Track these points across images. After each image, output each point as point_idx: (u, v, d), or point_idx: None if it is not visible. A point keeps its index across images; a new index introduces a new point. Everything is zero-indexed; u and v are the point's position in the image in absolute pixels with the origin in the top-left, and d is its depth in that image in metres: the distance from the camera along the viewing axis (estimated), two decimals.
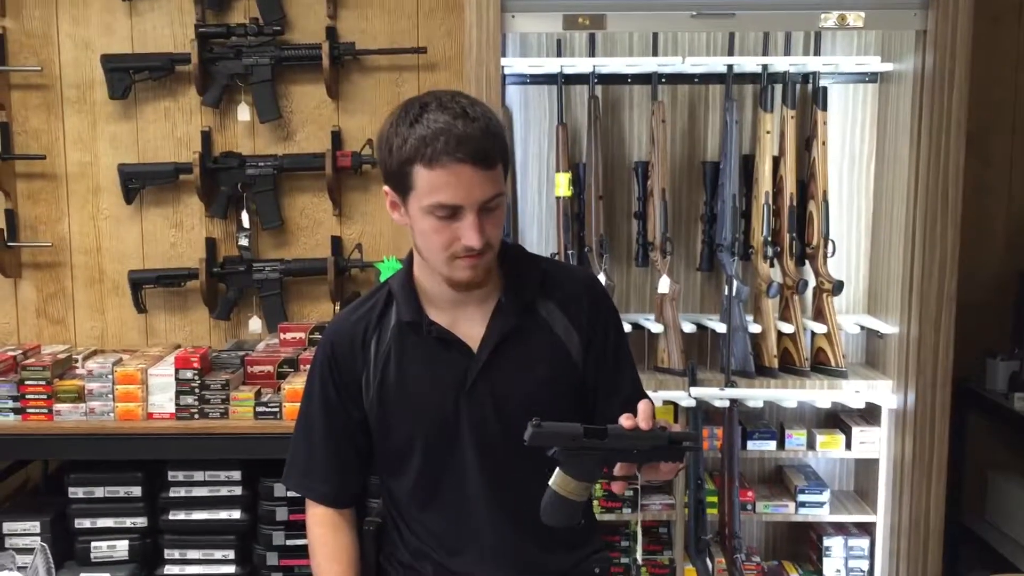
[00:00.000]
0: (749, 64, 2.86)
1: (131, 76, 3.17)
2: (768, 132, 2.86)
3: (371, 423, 1.63)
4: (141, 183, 3.21)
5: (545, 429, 1.36)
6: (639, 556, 2.80)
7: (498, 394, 1.57)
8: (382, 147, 1.50)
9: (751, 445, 2.90)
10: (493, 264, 1.56)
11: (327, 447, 1.65)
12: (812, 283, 2.91)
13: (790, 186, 2.86)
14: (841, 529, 2.98)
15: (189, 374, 2.87)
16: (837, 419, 3.01)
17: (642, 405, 1.42)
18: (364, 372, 1.61)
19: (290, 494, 2.87)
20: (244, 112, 3.21)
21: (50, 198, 3.28)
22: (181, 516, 2.93)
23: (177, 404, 2.87)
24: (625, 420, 1.40)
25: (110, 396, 2.87)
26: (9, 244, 3.24)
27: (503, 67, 2.74)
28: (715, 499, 2.88)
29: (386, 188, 1.52)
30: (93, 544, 2.92)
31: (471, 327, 1.58)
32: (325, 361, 1.64)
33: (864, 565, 2.93)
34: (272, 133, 3.24)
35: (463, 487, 1.58)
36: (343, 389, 1.62)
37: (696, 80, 2.97)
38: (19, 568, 1.35)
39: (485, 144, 1.43)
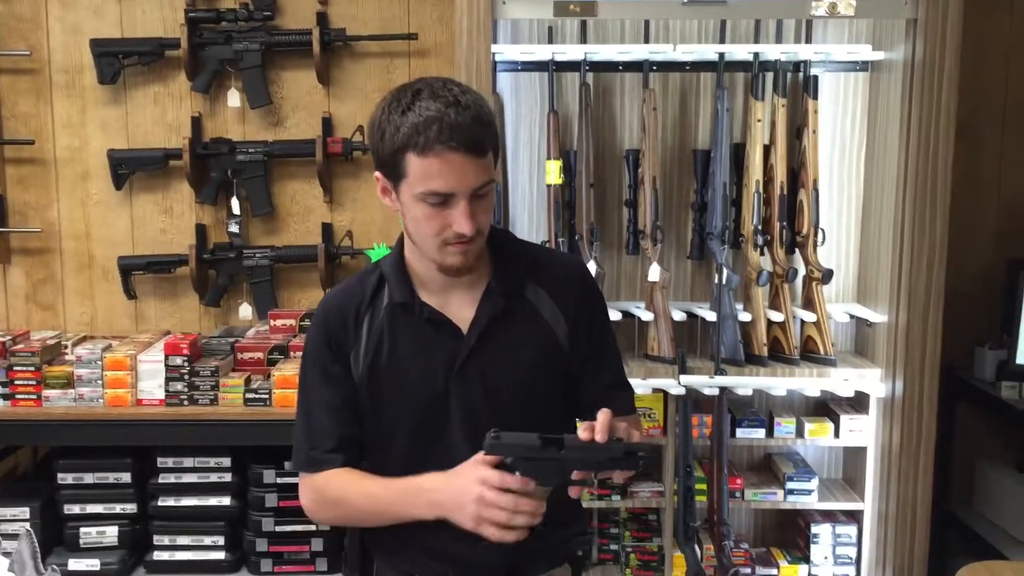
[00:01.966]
0: (740, 52, 2.86)
1: (120, 61, 3.15)
2: (759, 120, 2.86)
3: (360, 401, 1.64)
4: (131, 169, 3.20)
5: (503, 440, 1.41)
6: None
7: (487, 376, 1.60)
8: (374, 134, 1.51)
9: (740, 433, 2.91)
10: (483, 249, 1.59)
11: (333, 420, 1.63)
12: (802, 271, 2.92)
13: (781, 175, 2.87)
14: (829, 516, 3.00)
15: (179, 360, 2.87)
16: (826, 407, 3.02)
17: (601, 415, 1.44)
18: (354, 348, 1.62)
19: (279, 480, 2.88)
20: (234, 98, 3.20)
21: (39, 183, 3.27)
22: (171, 502, 2.93)
23: (166, 390, 2.87)
24: (583, 432, 1.42)
25: (99, 382, 2.87)
26: None
27: (494, 54, 2.74)
28: (704, 486, 2.89)
29: (377, 174, 1.54)
30: (82, 530, 2.93)
31: (461, 310, 1.61)
32: (321, 335, 1.64)
33: (852, 552, 2.94)
34: (262, 119, 3.23)
35: (450, 466, 1.58)
36: (339, 361, 1.63)
37: (687, 68, 2.97)
38: (5, 553, 1.35)
39: (477, 132, 1.45)
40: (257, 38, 3.11)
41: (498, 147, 1.54)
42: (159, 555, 2.94)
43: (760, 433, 2.92)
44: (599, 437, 1.41)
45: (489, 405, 1.59)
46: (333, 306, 1.65)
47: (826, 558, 2.96)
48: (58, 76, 3.23)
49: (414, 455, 1.61)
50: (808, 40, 2.88)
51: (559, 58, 2.86)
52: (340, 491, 1.62)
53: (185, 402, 2.87)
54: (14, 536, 1.41)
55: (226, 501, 2.94)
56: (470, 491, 1.43)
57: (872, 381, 2.83)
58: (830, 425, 2.91)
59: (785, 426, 2.92)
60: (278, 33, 3.13)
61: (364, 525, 1.68)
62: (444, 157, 1.43)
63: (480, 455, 1.46)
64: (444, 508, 1.48)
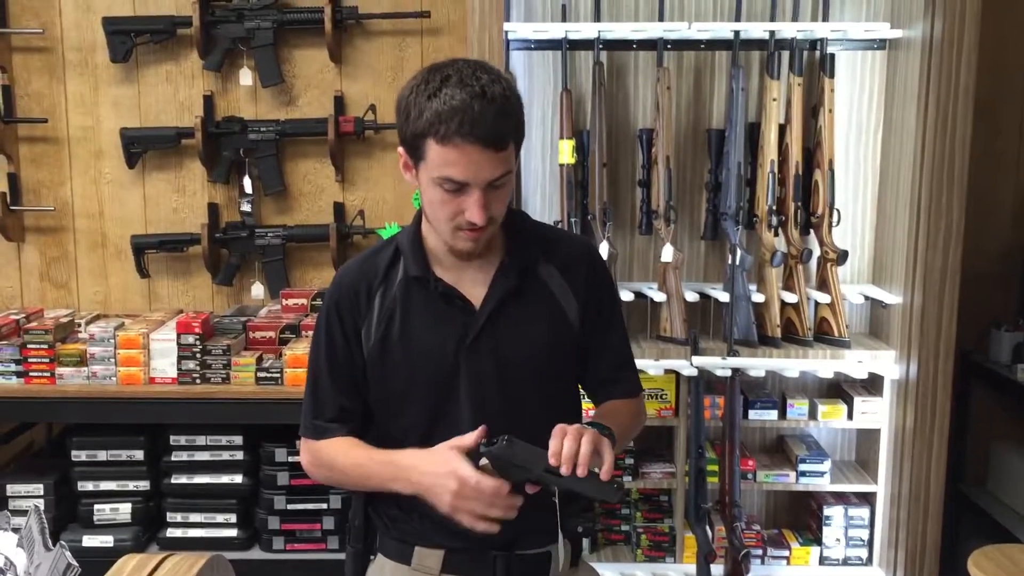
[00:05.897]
0: (756, 30, 2.82)
1: (132, 39, 3.15)
2: (774, 99, 2.83)
3: (369, 374, 1.66)
4: (143, 147, 3.21)
5: (516, 449, 1.43)
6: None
7: (497, 352, 1.62)
8: (400, 112, 1.54)
9: (752, 414, 2.90)
10: (496, 232, 1.62)
11: (335, 392, 1.68)
12: (816, 252, 2.89)
13: (796, 154, 2.84)
14: (841, 498, 2.98)
15: (191, 339, 2.88)
16: (839, 389, 3.00)
17: (584, 447, 1.45)
18: (366, 321, 1.65)
19: (291, 459, 2.89)
20: (246, 76, 3.19)
21: (52, 162, 3.28)
22: (183, 480, 2.95)
23: (179, 369, 2.88)
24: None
25: (112, 360, 2.88)
26: (12, 208, 3.24)
27: (507, 32, 2.72)
28: (716, 468, 2.88)
29: (400, 149, 1.57)
30: (96, 507, 2.95)
31: (474, 286, 1.64)
32: (332, 310, 1.68)
33: (864, 534, 2.93)
34: (274, 98, 3.22)
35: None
36: (348, 334, 1.66)
37: (702, 46, 2.93)
38: (14, 529, 1.35)
39: (497, 127, 1.47)
40: (269, 16, 3.10)
41: (521, 137, 1.56)
42: (172, 532, 2.96)
43: (773, 415, 2.90)
44: (580, 472, 1.43)
45: (498, 381, 1.61)
46: (346, 282, 1.68)
47: (838, 540, 2.94)
48: (71, 54, 3.23)
49: (421, 425, 1.63)
50: (825, 18, 2.84)
51: (572, 36, 2.84)
52: (331, 458, 1.67)
53: (197, 380, 2.88)
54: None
55: (238, 479, 2.95)
56: (447, 484, 1.46)
57: (886, 363, 2.80)
58: (843, 407, 2.89)
59: (798, 408, 2.90)
60: (290, 11, 3.11)
61: (355, 489, 1.73)
62: (462, 149, 1.46)
63: (457, 441, 1.48)
64: (422, 488, 1.52)
